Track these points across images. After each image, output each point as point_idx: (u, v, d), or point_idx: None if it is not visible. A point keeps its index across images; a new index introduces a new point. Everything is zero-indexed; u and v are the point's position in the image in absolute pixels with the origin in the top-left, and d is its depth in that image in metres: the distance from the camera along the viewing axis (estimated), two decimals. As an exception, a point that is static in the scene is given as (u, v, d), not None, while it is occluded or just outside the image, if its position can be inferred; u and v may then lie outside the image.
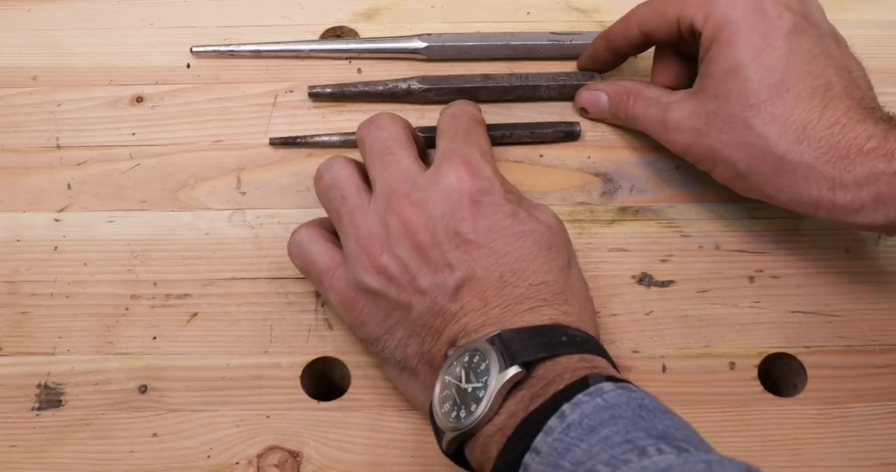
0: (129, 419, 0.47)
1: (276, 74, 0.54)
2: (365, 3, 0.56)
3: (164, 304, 0.49)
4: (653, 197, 0.51)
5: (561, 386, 0.38)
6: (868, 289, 0.49)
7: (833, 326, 0.48)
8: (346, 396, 0.47)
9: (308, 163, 0.52)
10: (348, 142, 0.52)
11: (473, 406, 0.39)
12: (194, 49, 0.54)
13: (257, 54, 0.54)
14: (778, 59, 0.44)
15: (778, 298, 0.49)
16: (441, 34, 0.54)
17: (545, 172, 0.52)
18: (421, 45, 0.54)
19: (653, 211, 0.51)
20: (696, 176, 0.51)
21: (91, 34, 0.55)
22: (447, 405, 0.40)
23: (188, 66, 0.54)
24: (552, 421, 0.36)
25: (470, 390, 0.40)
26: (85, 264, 0.50)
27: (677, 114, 0.47)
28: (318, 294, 0.49)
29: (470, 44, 0.54)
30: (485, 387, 0.39)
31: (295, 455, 0.46)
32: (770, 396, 0.47)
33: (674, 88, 0.50)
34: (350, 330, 0.47)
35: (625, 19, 0.49)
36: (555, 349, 0.40)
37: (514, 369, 0.39)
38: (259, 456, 0.46)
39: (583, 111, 0.52)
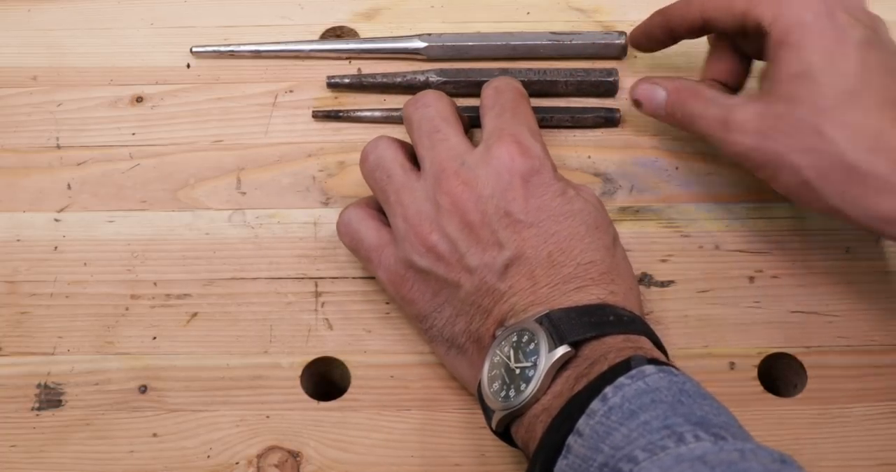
0: (129, 419, 0.47)
1: (276, 74, 0.54)
2: (365, 3, 0.56)
3: (164, 304, 0.49)
4: (653, 197, 0.51)
5: (605, 367, 0.38)
6: (868, 289, 0.49)
7: (833, 326, 0.48)
8: (346, 396, 0.47)
9: (308, 163, 0.52)
10: (391, 118, 0.52)
11: (523, 386, 0.40)
12: (194, 49, 0.54)
13: (257, 54, 0.54)
14: (851, 66, 0.42)
15: (778, 298, 0.49)
16: (441, 34, 0.54)
17: (545, 172, 0.52)
18: (421, 45, 0.54)
19: (653, 211, 0.51)
20: (696, 176, 0.52)
21: (91, 34, 0.55)
22: (496, 385, 0.41)
23: (188, 66, 0.54)
24: (594, 404, 0.37)
25: (518, 369, 0.40)
26: (85, 264, 0.50)
27: (741, 115, 0.44)
28: (317, 294, 0.49)
29: (470, 44, 0.54)
30: (534, 367, 0.39)
31: (295, 455, 0.46)
32: (770, 396, 0.47)
33: (725, 85, 0.49)
34: (399, 308, 0.47)
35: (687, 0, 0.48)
36: (602, 329, 0.40)
37: (563, 349, 0.39)
38: (259, 456, 0.46)
39: (636, 104, 0.50)
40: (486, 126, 0.46)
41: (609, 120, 0.52)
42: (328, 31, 0.56)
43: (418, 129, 0.46)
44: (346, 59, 0.55)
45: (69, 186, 0.52)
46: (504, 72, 0.53)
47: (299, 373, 0.48)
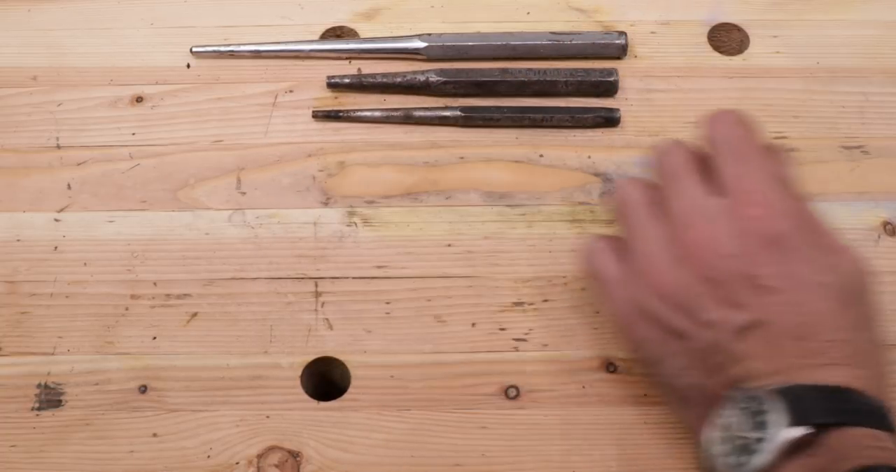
0: (129, 419, 0.47)
1: (276, 74, 0.54)
2: (365, 3, 0.56)
3: (164, 304, 0.49)
4: (653, 197, 0.51)
5: (849, 467, 0.35)
6: (868, 289, 0.49)
7: (833, 326, 0.48)
8: (346, 396, 0.47)
9: (308, 163, 0.52)
10: (391, 118, 0.52)
11: (745, 458, 0.37)
12: (194, 49, 0.54)
13: (257, 54, 0.54)
14: None
15: (778, 298, 0.49)
16: (441, 34, 0.54)
17: (545, 172, 0.52)
18: (421, 45, 0.54)
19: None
20: (696, 176, 0.52)
21: (91, 34, 0.55)
22: (721, 448, 0.38)
23: (188, 66, 0.54)
24: None
25: (746, 439, 0.37)
26: (85, 264, 0.50)
27: None
28: (318, 294, 0.49)
29: (470, 44, 0.54)
30: (765, 440, 0.36)
31: (295, 455, 0.46)
32: (770, 396, 0.47)
33: None
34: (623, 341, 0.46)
35: None
36: (846, 417, 0.37)
37: (803, 429, 0.36)
38: (259, 456, 0.46)
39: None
40: (727, 172, 0.43)
41: (609, 120, 0.52)
42: (328, 31, 0.56)
43: (665, 172, 0.44)
44: (346, 59, 0.55)
45: (69, 186, 0.52)
46: (504, 72, 0.53)
47: (299, 373, 0.48)
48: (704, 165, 0.44)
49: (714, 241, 0.41)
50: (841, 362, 0.39)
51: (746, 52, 0.55)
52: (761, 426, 0.37)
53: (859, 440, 0.36)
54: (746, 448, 0.37)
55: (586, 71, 0.53)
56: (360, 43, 0.54)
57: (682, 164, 0.44)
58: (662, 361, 0.42)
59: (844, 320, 0.40)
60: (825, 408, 0.37)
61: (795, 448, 0.36)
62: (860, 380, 0.38)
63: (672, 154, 0.45)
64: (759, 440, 0.36)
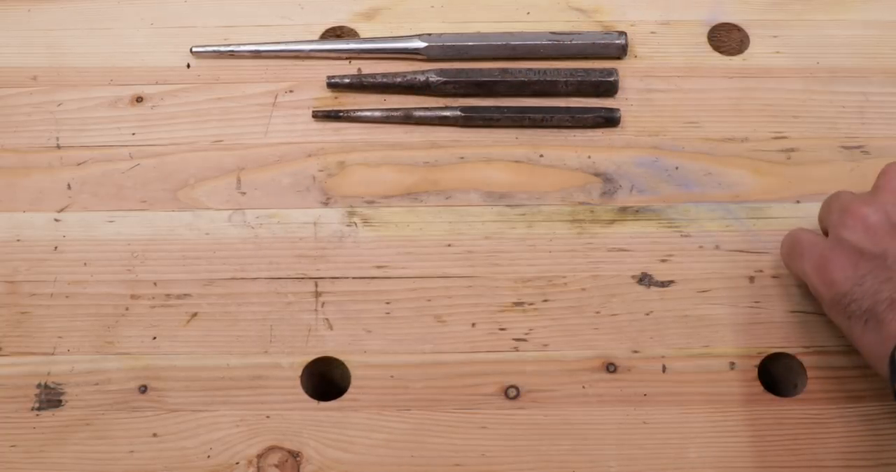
0: (129, 419, 0.47)
1: (276, 74, 0.54)
2: (365, 3, 0.56)
3: (164, 304, 0.49)
4: (653, 197, 0.51)
5: None
6: (868, 289, 0.49)
7: (833, 326, 0.48)
8: (346, 396, 0.47)
9: (308, 163, 0.52)
10: (391, 118, 0.52)
11: None
12: (194, 49, 0.54)
13: (257, 54, 0.54)
14: None
15: (778, 298, 0.49)
16: (441, 34, 0.54)
17: (545, 172, 0.52)
18: (421, 45, 0.54)
19: (653, 211, 0.51)
20: (696, 176, 0.52)
21: (91, 34, 0.55)
22: None
23: (188, 66, 0.54)
24: None
25: None
26: (85, 264, 0.50)
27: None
28: (318, 294, 0.49)
29: (470, 44, 0.54)
30: None
31: (295, 455, 0.46)
32: (770, 396, 0.47)
33: None
34: (812, 296, 0.47)
35: None
36: None
37: None
38: (259, 456, 0.46)
39: None
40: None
41: (609, 120, 0.52)
42: (328, 31, 0.56)
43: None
44: (346, 59, 0.55)
45: (69, 186, 0.52)
46: (504, 72, 0.53)
47: (299, 373, 0.48)
48: None
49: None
50: None
51: (746, 52, 0.55)
52: None
53: None
54: None
55: (586, 71, 0.53)
56: (360, 43, 0.54)
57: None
58: (855, 287, 0.43)
59: None
60: None
61: None
62: None
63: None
64: None
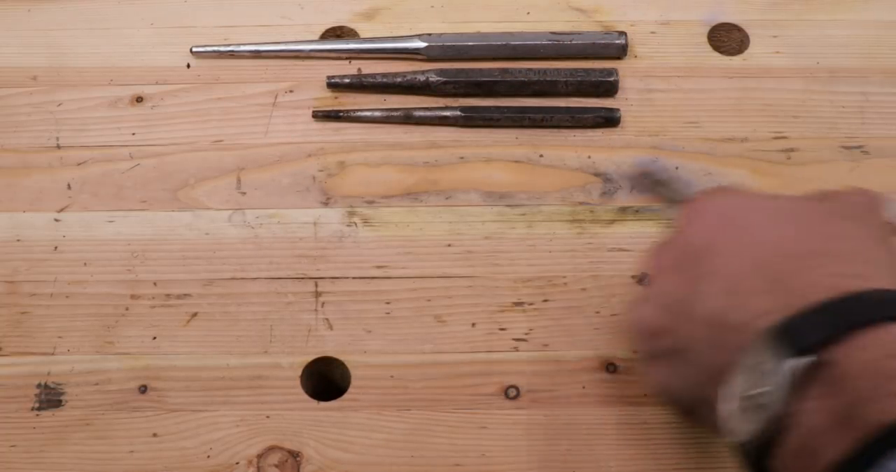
0: (129, 419, 0.47)
1: (276, 74, 0.54)
2: (365, 3, 0.56)
3: (164, 304, 0.49)
4: (652, 197, 0.51)
5: (875, 412, 0.30)
6: (868, 289, 0.49)
7: (833, 326, 0.48)
8: (346, 396, 0.47)
9: (308, 163, 0.52)
10: (391, 118, 0.52)
11: (765, 414, 0.33)
12: (194, 49, 0.54)
13: (257, 54, 0.54)
14: None
15: (778, 298, 0.49)
16: (441, 34, 0.54)
17: (545, 172, 0.52)
18: (421, 45, 0.54)
19: (653, 211, 0.51)
20: (696, 176, 0.52)
21: (91, 34, 0.55)
22: (741, 419, 0.34)
23: (188, 66, 0.54)
24: None
25: (757, 395, 0.33)
26: (85, 264, 0.50)
27: None
28: (318, 294, 0.49)
29: (470, 44, 0.54)
30: (772, 387, 0.32)
31: (295, 455, 0.46)
32: (770, 396, 0.47)
33: None
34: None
35: None
36: (848, 321, 0.31)
37: (799, 361, 0.31)
38: (259, 456, 0.46)
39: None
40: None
41: (609, 120, 0.52)
42: (328, 31, 0.56)
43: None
44: (346, 59, 0.55)
45: (69, 186, 0.52)
46: (504, 72, 0.53)
47: (299, 373, 0.48)
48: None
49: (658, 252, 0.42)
50: (834, 269, 0.35)
51: (746, 52, 0.55)
52: (768, 374, 0.32)
53: (878, 360, 0.31)
54: (762, 406, 0.33)
55: (586, 71, 0.53)
56: (360, 43, 0.54)
57: None
58: (679, 390, 0.40)
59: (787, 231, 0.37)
60: (815, 323, 0.32)
61: (808, 387, 0.32)
62: (861, 277, 0.34)
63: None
64: (769, 390, 0.32)
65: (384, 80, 0.53)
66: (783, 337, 0.32)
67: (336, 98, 0.54)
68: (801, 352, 0.31)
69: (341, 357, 0.48)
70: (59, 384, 0.47)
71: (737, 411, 0.34)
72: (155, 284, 0.49)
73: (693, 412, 0.40)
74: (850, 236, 0.37)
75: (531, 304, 0.49)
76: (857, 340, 0.31)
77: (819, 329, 0.32)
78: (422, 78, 0.53)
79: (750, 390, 0.33)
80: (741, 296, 0.36)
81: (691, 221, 0.41)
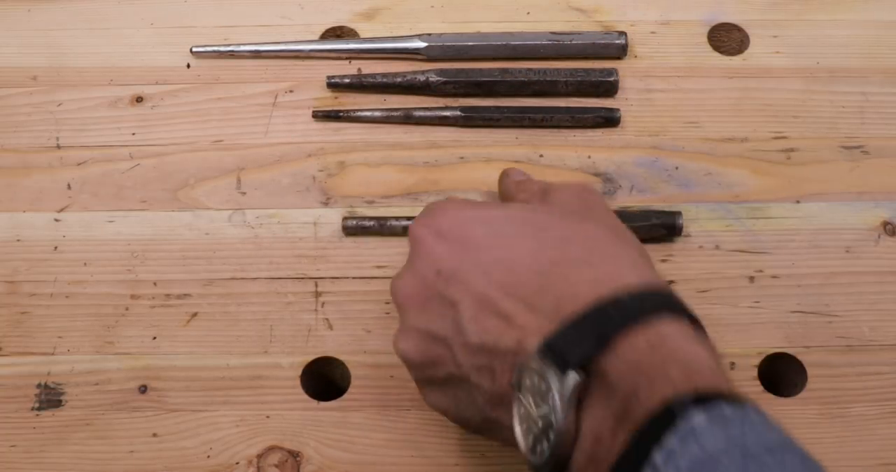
0: (129, 419, 0.47)
1: (276, 74, 0.54)
2: (365, 3, 0.56)
3: (164, 304, 0.49)
4: (653, 197, 0.51)
5: (642, 411, 0.31)
6: (868, 289, 0.49)
7: (833, 326, 0.48)
8: (346, 396, 0.47)
9: (308, 163, 0.52)
10: (391, 118, 0.52)
11: (551, 434, 0.34)
12: (194, 49, 0.54)
13: (257, 54, 0.54)
14: None
15: (778, 298, 0.49)
16: (441, 34, 0.54)
17: (545, 173, 0.52)
18: (421, 45, 0.54)
19: (653, 211, 0.51)
20: (696, 176, 0.52)
21: (91, 34, 0.55)
22: (531, 439, 0.35)
23: (188, 66, 0.54)
24: None
25: (542, 417, 0.34)
26: (85, 264, 0.50)
27: None
28: (318, 294, 0.49)
29: (470, 44, 0.54)
30: (552, 408, 0.33)
31: (295, 455, 0.46)
32: (770, 396, 0.47)
33: None
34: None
35: None
36: (607, 330, 0.33)
37: (571, 378, 0.33)
38: (259, 456, 0.46)
39: None
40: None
41: (609, 120, 0.52)
42: (328, 31, 0.56)
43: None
44: (346, 59, 0.55)
45: (69, 186, 0.52)
46: (504, 72, 0.53)
47: (299, 373, 0.48)
48: None
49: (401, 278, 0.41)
50: (574, 281, 0.36)
51: (746, 52, 0.55)
52: (546, 396, 0.33)
53: (641, 359, 0.32)
54: (547, 426, 0.34)
55: (586, 71, 0.53)
56: (360, 43, 0.54)
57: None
58: (455, 409, 0.40)
59: (534, 246, 0.38)
60: (579, 337, 0.33)
61: (587, 399, 0.33)
62: (599, 285, 0.35)
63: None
64: (548, 410, 0.33)
65: (384, 80, 0.53)
66: (550, 356, 0.33)
67: (336, 98, 0.54)
68: (570, 368, 0.33)
69: (341, 357, 0.48)
70: (59, 384, 0.47)
71: (524, 433, 0.35)
72: (155, 284, 0.49)
73: (482, 431, 0.41)
74: (585, 238, 0.38)
75: (531, 304, 0.49)
76: (620, 345, 0.33)
77: (581, 344, 0.33)
78: (422, 78, 0.53)
79: (532, 411, 0.34)
80: (501, 319, 0.37)
81: (422, 248, 0.41)
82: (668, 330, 0.34)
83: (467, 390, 0.39)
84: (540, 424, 0.34)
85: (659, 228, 0.49)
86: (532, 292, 0.37)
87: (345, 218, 0.50)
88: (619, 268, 0.37)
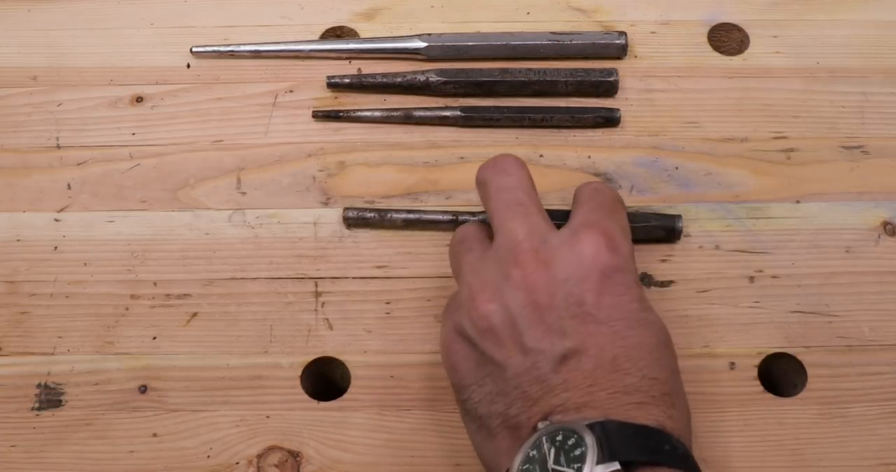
0: (129, 419, 0.47)
1: (276, 74, 0.54)
2: (365, 3, 0.56)
3: (164, 304, 0.49)
4: (653, 197, 0.51)
5: None
6: (868, 289, 0.49)
7: (833, 326, 0.48)
8: (346, 396, 0.47)
9: (308, 163, 0.52)
10: (391, 118, 0.52)
11: None
12: (194, 49, 0.54)
13: (257, 54, 0.54)
14: None
15: (778, 298, 0.49)
16: (441, 34, 0.54)
17: (545, 172, 0.52)
18: (421, 45, 0.54)
19: (652, 211, 0.51)
20: (696, 176, 0.52)
21: (91, 34, 0.55)
22: None
23: (188, 66, 0.54)
24: None
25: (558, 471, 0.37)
26: (85, 264, 0.50)
27: None
28: (317, 294, 0.49)
29: (470, 44, 0.54)
30: None
31: (295, 455, 0.46)
32: (770, 396, 0.47)
33: None
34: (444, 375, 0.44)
35: None
36: (656, 457, 0.37)
37: (612, 465, 0.36)
38: (259, 456, 0.46)
39: None
40: (576, 216, 0.43)
41: (609, 120, 0.52)
42: (328, 31, 0.56)
43: (496, 197, 0.43)
44: (346, 59, 0.55)
45: (69, 186, 0.52)
46: (504, 72, 0.53)
47: (299, 373, 0.48)
48: (537, 194, 0.44)
49: (547, 265, 0.40)
50: (654, 402, 0.39)
51: (746, 52, 0.55)
52: (574, 460, 0.36)
53: None
54: None
55: (586, 71, 0.53)
56: (360, 43, 0.54)
57: (518, 188, 0.44)
58: (473, 386, 0.41)
59: (662, 361, 0.40)
60: (636, 445, 0.37)
61: None
62: (672, 421, 0.38)
63: (510, 176, 0.44)
64: None
65: (384, 80, 0.53)
66: (602, 436, 0.36)
67: (336, 98, 0.54)
68: (616, 459, 0.36)
69: (341, 357, 0.48)
70: (59, 384, 0.47)
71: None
72: (155, 284, 0.49)
73: (469, 418, 0.42)
74: (674, 369, 0.41)
75: (531, 304, 0.49)
76: (654, 469, 0.36)
77: (634, 449, 0.36)
78: (422, 78, 0.53)
79: (547, 463, 0.37)
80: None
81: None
82: None
83: (495, 387, 0.40)
84: None
85: (658, 229, 0.49)
86: (625, 387, 0.39)
87: (345, 209, 0.50)
88: (687, 420, 0.41)
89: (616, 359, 0.39)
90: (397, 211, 0.50)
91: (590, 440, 0.36)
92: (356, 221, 0.50)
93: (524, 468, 0.37)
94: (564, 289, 0.40)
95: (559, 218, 0.45)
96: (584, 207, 0.43)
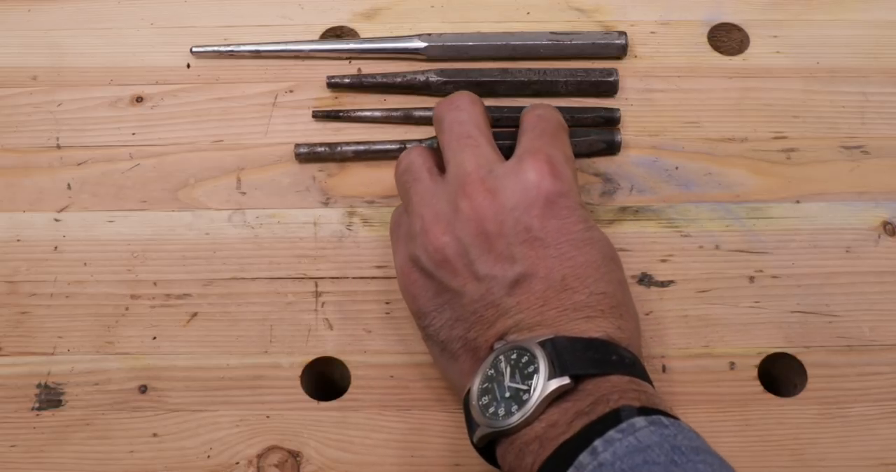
0: (129, 419, 0.47)
1: (276, 74, 0.54)
2: (365, 3, 0.56)
3: (164, 304, 0.49)
4: (653, 197, 0.51)
5: (606, 410, 0.37)
6: (868, 289, 0.49)
7: (833, 326, 0.48)
8: (346, 396, 0.47)
9: (308, 163, 0.52)
10: (391, 118, 0.52)
11: (515, 407, 0.39)
12: (194, 49, 0.54)
13: (257, 54, 0.54)
14: None
15: (778, 298, 0.49)
16: (441, 34, 0.54)
17: (545, 172, 0.52)
18: (421, 45, 0.54)
19: (653, 211, 0.51)
20: (696, 176, 0.52)
21: (91, 34, 0.55)
22: (486, 399, 0.40)
23: (188, 66, 0.54)
24: (584, 457, 0.36)
25: (512, 389, 0.39)
26: (85, 264, 0.50)
27: None
28: (318, 294, 0.49)
29: (470, 44, 0.54)
30: (529, 390, 0.38)
31: (295, 455, 0.46)
32: (770, 396, 0.47)
33: None
34: (402, 302, 0.46)
35: None
36: (605, 368, 0.39)
37: (563, 380, 0.38)
38: (259, 456, 0.46)
39: None
40: (521, 144, 0.45)
41: (609, 120, 0.52)
42: (328, 31, 0.56)
43: (449, 131, 0.46)
44: (346, 59, 0.55)
45: (69, 186, 0.52)
46: (504, 72, 0.53)
47: (299, 373, 0.48)
48: (489, 129, 0.47)
49: (495, 194, 0.43)
50: (602, 315, 0.41)
51: (746, 52, 0.55)
52: (527, 376, 0.39)
53: (619, 385, 0.38)
54: (514, 398, 0.39)
55: (586, 71, 0.53)
56: (360, 43, 0.54)
57: (468, 122, 0.45)
58: (433, 313, 0.43)
59: (608, 275, 0.42)
60: (585, 359, 0.39)
61: (559, 395, 0.38)
62: (621, 332, 0.41)
63: (461, 111, 0.46)
64: (526, 390, 0.38)
65: (384, 80, 0.53)
66: (553, 353, 0.39)
67: (336, 98, 0.54)
68: (566, 373, 0.38)
69: (341, 357, 0.48)
70: (59, 384, 0.47)
71: (480, 390, 0.40)
72: (155, 284, 0.49)
73: (432, 345, 0.44)
74: (620, 282, 0.44)
75: (531, 304, 0.49)
76: (603, 378, 0.39)
77: (585, 364, 0.39)
78: (422, 78, 0.53)
79: (503, 379, 0.39)
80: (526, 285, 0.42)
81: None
82: (649, 390, 0.40)
83: (453, 313, 0.43)
84: (507, 393, 0.39)
85: (599, 142, 0.51)
86: (574, 303, 0.41)
87: (297, 144, 0.51)
88: (636, 329, 0.43)
89: (565, 279, 0.41)
90: (347, 144, 0.51)
91: (541, 356, 0.39)
92: (308, 155, 0.51)
93: (484, 386, 0.40)
94: (512, 217, 0.42)
95: (507, 138, 0.47)
96: (529, 135, 0.46)
